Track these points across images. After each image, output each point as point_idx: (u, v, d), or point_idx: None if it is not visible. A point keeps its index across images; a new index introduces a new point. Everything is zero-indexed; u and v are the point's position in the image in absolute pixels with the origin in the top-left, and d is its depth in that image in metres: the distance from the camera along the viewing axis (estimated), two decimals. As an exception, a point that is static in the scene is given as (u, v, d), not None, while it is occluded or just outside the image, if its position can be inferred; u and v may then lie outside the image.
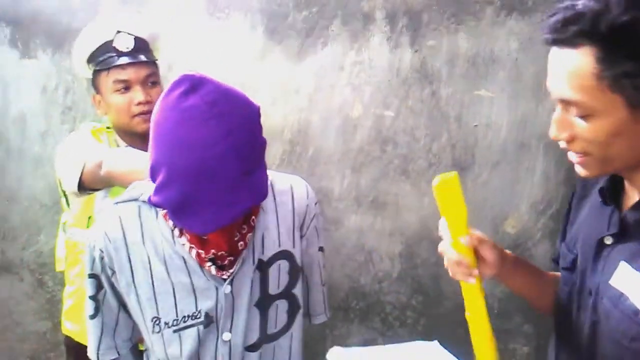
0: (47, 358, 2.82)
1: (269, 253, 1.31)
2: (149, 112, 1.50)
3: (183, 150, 1.03)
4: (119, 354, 1.36)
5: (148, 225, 1.26)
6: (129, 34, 1.81)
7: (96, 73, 1.84)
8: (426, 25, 2.22)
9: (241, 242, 1.24)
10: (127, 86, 1.80)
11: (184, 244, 1.23)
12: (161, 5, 2.39)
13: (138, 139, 1.83)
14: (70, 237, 1.93)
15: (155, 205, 1.13)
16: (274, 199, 1.34)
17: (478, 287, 1.14)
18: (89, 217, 1.86)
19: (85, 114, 2.52)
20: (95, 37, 1.82)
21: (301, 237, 1.37)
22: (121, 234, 1.25)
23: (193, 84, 1.06)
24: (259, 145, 1.13)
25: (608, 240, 1.09)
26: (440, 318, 2.35)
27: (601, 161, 1.01)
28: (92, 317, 1.33)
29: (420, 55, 2.24)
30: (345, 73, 2.31)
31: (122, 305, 1.32)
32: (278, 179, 1.37)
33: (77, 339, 1.97)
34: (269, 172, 1.29)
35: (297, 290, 1.37)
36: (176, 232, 1.24)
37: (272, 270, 1.32)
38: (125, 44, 1.80)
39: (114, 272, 1.26)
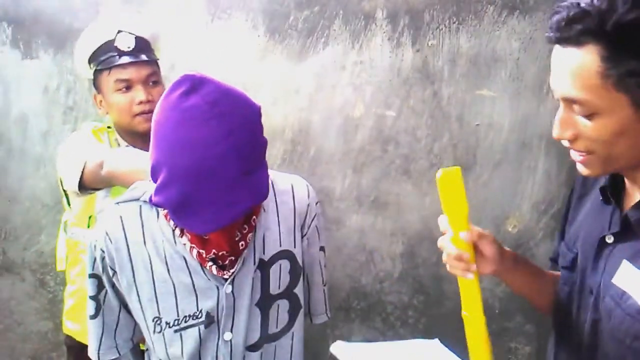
0: (48, 358, 2.82)
1: (270, 253, 1.31)
2: (150, 111, 1.50)
3: (184, 150, 1.03)
4: (119, 354, 1.36)
5: (149, 225, 1.26)
6: (130, 33, 1.82)
7: (97, 73, 1.84)
8: (427, 24, 2.22)
9: (242, 242, 1.24)
10: (128, 85, 1.81)
11: (185, 244, 1.23)
12: (162, 6, 2.39)
13: (139, 139, 1.83)
14: (71, 236, 1.93)
15: (156, 205, 1.13)
16: (275, 198, 1.34)
17: (476, 283, 1.13)
18: (90, 217, 1.86)
19: (86, 114, 2.52)
20: (96, 37, 1.82)
21: (302, 236, 1.38)
22: (122, 234, 1.25)
23: (194, 84, 1.06)
24: (259, 145, 1.12)
25: (609, 239, 1.08)
26: (442, 318, 2.35)
27: (604, 160, 1.01)
28: (93, 317, 1.32)
29: (421, 54, 2.24)
30: (346, 73, 2.31)
31: (123, 305, 1.32)
32: (279, 178, 1.37)
33: (78, 338, 1.97)
34: (269, 171, 1.29)
35: (298, 290, 1.37)
36: (177, 232, 1.23)
37: (273, 270, 1.32)
38: (126, 43, 1.81)
39: (115, 272, 1.26)
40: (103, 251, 1.25)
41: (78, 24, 2.41)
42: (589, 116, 0.96)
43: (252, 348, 1.32)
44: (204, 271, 1.25)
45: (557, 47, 0.99)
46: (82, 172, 1.68)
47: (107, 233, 1.25)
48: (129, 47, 1.81)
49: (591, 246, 1.12)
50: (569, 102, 0.98)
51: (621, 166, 1.04)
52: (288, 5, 2.32)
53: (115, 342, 1.34)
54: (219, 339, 1.29)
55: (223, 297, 1.26)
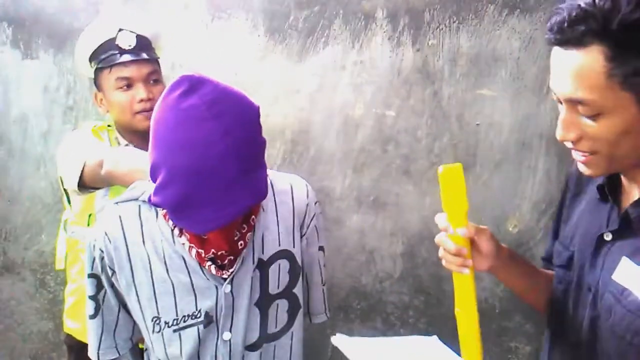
0: (49, 358, 2.83)
1: (269, 252, 1.31)
2: (151, 109, 1.51)
3: (183, 150, 1.04)
4: (119, 354, 1.36)
5: (148, 225, 1.26)
6: (131, 31, 1.83)
7: (98, 71, 1.85)
8: (428, 24, 2.21)
9: (241, 242, 1.24)
10: (129, 84, 1.82)
11: (183, 244, 1.23)
12: (162, 5, 2.39)
13: (139, 137, 1.83)
14: (72, 235, 1.93)
15: (155, 205, 1.14)
16: (274, 198, 1.34)
17: (471, 279, 1.14)
18: (90, 215, 1.87)
19: (86, 113, 2.53)
20: (98, 35, 1.83)
21: (301, 236, 1.38)
22: (121, 233, 1.25)
23: (192, 85, 1.06)
24: (258, 145, 1.13)
25: (608, 237, 1.09)
26: (442, 318, 2.34)
27: (608, 159, 1.01)
28: (93, 316, 1.33)
29: (421, 54, 2.23)
30: (346, 72, 2.31)
31: (122, 305, 1.32)
32: (278, 178, 1.38)
33: (78, 337, 1.97)
34: (268, 171, 1.30)
35: (298, 290, 1.37)
36: (176, 231, 1.24)
37: (272, 270, 1.32)
38: (127, 41, 1.81)
39: (114, 272, 1.27)
40: (102, 251, 1.25)
41: (78, 24, 2.42)
42: (594, 116, 0.96)
43: (251, 348, 1.32)
44: (202, 271, 1.25)
45: (557, 48, 0.99)
46: (82, 171, 1.68)
47: (106, 233, 1.25)
48: (130, 46, 1.82)
49: (589, 244, 1.13)
50: (573, 103, 0.98)
51: (624, 165, 1.04)
52: (288, 5, 2.32)
53: (114, 342, 1.35)
54: (218, 338, 1.29)
55: (222, 297, 1.26)
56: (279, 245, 1.33)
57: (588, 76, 0.93)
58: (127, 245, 1.25)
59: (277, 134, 2.38)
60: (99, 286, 1.30)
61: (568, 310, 1.18)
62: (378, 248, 2.40)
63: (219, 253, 1.22)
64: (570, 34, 0.94)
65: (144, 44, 1.85)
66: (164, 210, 1.22)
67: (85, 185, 1.71)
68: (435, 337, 1.13)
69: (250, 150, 1.08)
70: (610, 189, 1.13)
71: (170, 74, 2.17)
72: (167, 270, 1.25)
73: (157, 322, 1.27)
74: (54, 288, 2.73)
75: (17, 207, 2.68)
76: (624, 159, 1.01)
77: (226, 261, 1.24)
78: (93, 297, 1.31)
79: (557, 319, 1.23)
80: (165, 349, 1.29)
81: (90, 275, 1.29)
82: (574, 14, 0.93)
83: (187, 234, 1.22)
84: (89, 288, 1.31)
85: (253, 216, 1.27)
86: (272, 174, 1.37)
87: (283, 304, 1.35)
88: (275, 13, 2.33)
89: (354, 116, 2.33)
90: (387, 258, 2.40)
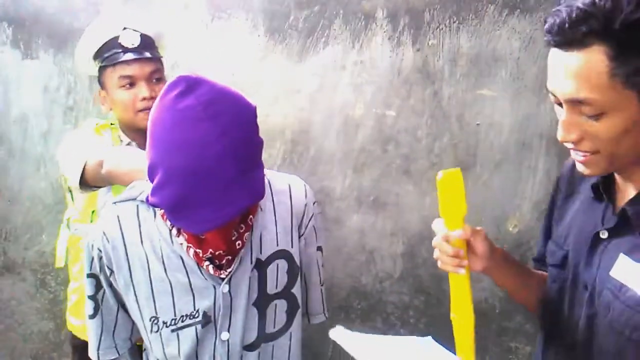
0: (49, 358, 2.83)
1: (267, 252, 1.31)
2: (154, 107, 1.51)
3: (179, 151, 1.04)
4: (118, 354, 1.36)
5: (146, 225, 1.26)
6: (134, 30, 1.84)
7: (102, 69, 1.86)
8: (428, 24, 2.21)
9: (239, 242, 1.24)
10: (132, 82, 1.83)
11: (181, 243, 1.23)
12: (163, 5, 2.39)
13: (142, 135, 1.84)
14: (75, 232, 1.94)
15: (153, 205, 1.14)
16: (272, 198, 1.34)
17: (467, 280, 1.16)
18: (93, 212, 1.88)
19: (87, 113, 2.52)
20: (101, 33, 1.85)
21: (299, 236, 1.38)
22: (119, 233, 1.26)
23: (189, 85, 1.06)
24: (255, 145, 1.13)
25: (604, 235, 1.10)
26: (442, 318, 2.32)
27: (608, 159, 1.01)
28: (92, 316, 1.33)
29: (421, 54, 2.23)
30: (346, 72, 2.31)
31: (121, 305, 1.32)
32: (276, 178, 1.38)
33: (80, 334, 1.98)
34: (267, 171, 1.30)
35: (296, 290, 1.37)
36: (174, 231, 1.24)
37: (271, 270, 1.32)
38: (130, 40, 1.83)
39: (112, 272, 1.27)
40: (100, 251, 1.25)
41: (78, 24, 2.42)
42: (596, 116, 0.96)
43: (249, 348, 1.32)
44: (200, 271, 1.25)
45: (556, 50, 0.98)
46: (83, 170, 1.69)
47: (104, 233, 1.26)
48: (133, 44, 1.84)
49: (584, 242, 1.13)
50: (575, 103, 0.97)
51: (623, 164, 1.05)
52: (288, 5, 2.31)
53: (114, 342, 1.35)
54: (216, 338, 1.29)
55: (220, 297, 1.26)
56: (277, 245, 1.33)
57: (591, 76, 0.93)
58: (125, 245, 1.25)
59: (277, 134, 2.38)
60: (98, 286, 1.30)
61: (563, 309, 1.19)
62: (378, 248, 2.40)
63: (217, 253, 1.22)
64: (571, 35, 0.94)
65: (147, 42, 1.87)
66: (162, 210, 1.22)
67: (87, 184, 1.72)
68: (429, 337, 1.14)
69: (247, 151, 1.08)
70: (605, 188, 1.13)
71: (171, 73, 2.16)
72: (165, 270, 1.25)
73: (155, 322, 1.27)
74: (54, 288, 2.74)
75: (18, 207, 2.68)
76: (623, 157, 1.02)
77: (224, 261, 1.24)
78: (92, 297, 1.31)
79: (551, 319, 1.24)
80: (163, 348, 1.29)
81: (89, 275, 1.29)
82: (574, 15, 0.92)
83: (185, 234, 1.22)
84: (87, 288, 1.31)
85: (251, 216, 1.27)
86: (271, 174, 1.37)
87: (281, 304, 1.35)
88: (275, 13, 2.33)
89: (354, 116, 2.32)
90: (387, 258, 2.40)
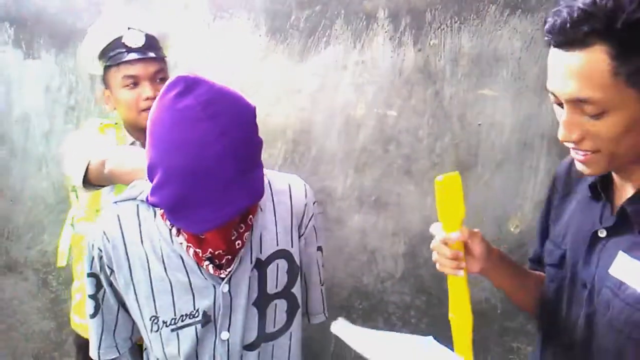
0: (51, 357, 2.83)
1: (267, 252, 1.31)
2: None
3: (179, 151, 1.04)
4: (119, 353, 1.36)
5: (146, 224, 1.26)
6: (139, 30, 1.85)
7: (106, 69, 1.87)
8: (429, 24, 2.21)
9: (238, 241, 1.24)
10: (135, 82, 1.84)
11: (181, 243, 1.23)
12: (165, 5, 2.39)
13: (145, 134, 1.84)
14: (79, 231, 1.95)
15: (153, 205, 1.14)
16: (272, 198, 1.34)
17: (465, 281, 1.18)
18: (97, 210, 1.89)
19: (88, 113, 2.53)
20: (106, 34, 1.86)
21: (299, 236, 1.38)
22: (119, 233, 1.26)
23: (187, 85, 1.06)
24: (254, 145, 1.13)
25: (602, 233, 1.10)
26: (444, 318, 2.31)
27: (609, 157, 1.02)
28: (93, 316, 1.33)
29: (423, 54, 2.23)
30: (348, 72, 2.31)
31: (122, 304, 1.32)
32: (276, 178, 1.38)
33: (84, 333, 1.99)
34: (267, 171, 1.31)
35: (296, 290, 1.37)
36: (174, 231, 1.24)
37: (270, 270, 1.32)
38: (135, 40, 1.84)
39: (112, 271, 1.27)
40: (100, 250, 1.26)
41: (80, 24, 2.42)
42: (598, 115, 0.97)
43: (249, 347, 1.32)
44: (200, 270, 1.25)
45: (556, 50, 0.99)
46: (86, 170, 1.70)
47: (104, 232, 1.26)
48: (137, 44, 1.85)
49: (582, 241, 1.14)
50: (577, 103, 0.98)
51: (623, 163, 1.05)
52: (290, 4, 2.31)
53: (114, 341, 1.35)
54: (215, 338, 1.29)
55: (220, 296, 1.26)
56: (277, 245, 1.33)
57: (593, 75, 0.94)
58: (125, 245, 1.26)
59: (279, 133, 2.38)
60: (98, 285, 1.30)
61: (561, 309, 1.19)
62: (379, 248, 2.40)
63: (217, 252, 1.22)
64: (573, 35, 0.94)
65: (151, 43, 1.88)
66: (162, 210, 1.22)
67: (90, 183, 1.73)
68: (430, 337, 1.15)
69: (246, 151, 1.08)
70: (603, 187, 1.14)
71: (173, 73, 2.17)
72: (165, 269, 1.25)
73: (155, 321, 1.28)
74: (56, 287, 2.74)
75: (19, 206, 2.68)
76: (624, 156, 1.02)
77: (224, 261, 1.24)
78: (93, 297, 1.32)
79: (549, 319, 1.24)
80: (163, 348, 1.29)
81: (90, 275, 1.30)
82: (575, 15, 0.93)
83: (184, 234, 1.22)
84: (88, 287, 1.31)
85: (251, 216, 1.27)
86: (271, 174, 1.37)
87: (281, 304, 1.35)
88: (276, 13, 2.33)
89: (356, 116, 2.32)
90: (388, 258, 2.40)
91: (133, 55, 1.83)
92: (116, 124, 1.95)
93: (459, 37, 2.19)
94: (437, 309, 2.37)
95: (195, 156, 1.03)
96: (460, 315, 1.19)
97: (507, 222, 2.25)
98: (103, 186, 1.76)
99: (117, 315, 1.33)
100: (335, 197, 2.40)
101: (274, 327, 1.35)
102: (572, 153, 1.06)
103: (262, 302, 1.31)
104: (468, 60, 2.20)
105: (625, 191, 1.10)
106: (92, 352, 1.36)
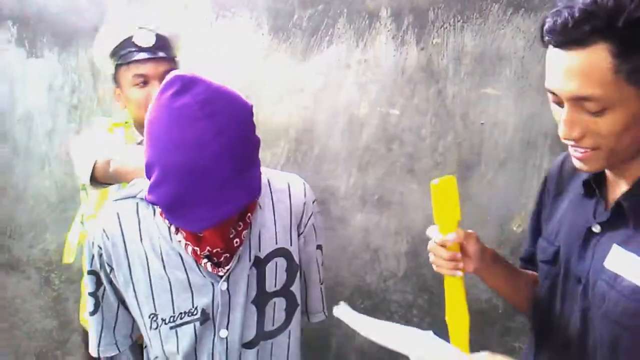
0: (53, 356, 2.83)
1: (265, 250, 1.31)
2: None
3: (175, 149, 1.05)
4: (119, 350, 1.37)
5: (146, 222, 1.27)
6: (150, 30, 1.87)
7: (117, 67, 1.90)
8: (432, 23, 2.21)
9: (237, 239, 1.25)
10: (145, 81, 1.86)
11: (180, 241, 1.24)
12: (167, 4, 2.39)
13: None
14: (88, 228, 1.96)
15: (150, 203, 1.14)
16: (272, 197, 1.35)
17: (462, 281, 1.20)
18: None
19: (91, 112, 2.53)
20: (118, 33, 1.89)
21: (299, 235, 1.38)
22: (119, 231, 1.26)
23: (184, 84, 1.07)
24: (251, 144, 1.13)
25: (596, 229, 1.12)
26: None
27: (608, 154, 1.03)
28: (93, 313, 1.34)
29: (426, 53, 2.23)
30: (350, 71, 2.30)
31: (121, 302, 1.33)
32: (276, 177, 1.38)
33: None
34: (267, 170, 1.31)
35: (295, 288, 1.37)
36: (173, 229, 1.24)
37: (269, 268, 1.32)
38: (145, 40, 1.87)
39: (112, 269, 1.28)
40: (100, 248, 1.26)
41: (83, 23, 2.43)
42: (600, 112, 0.98)
43: (248, 345, 1.32)
44: (199, 268, 1.25)
45: (556, 50, 0.99)
46: (94, 169, 1.72)
47: (104, 230, 1.27)
48: (148, 44, 1.87)
49: (576, 237, 1.16)
50: (578, 100, 0.98)
51: (620, 160, 1.06)
52: (292, 3, 2.31)
53: (114, 339, 1.36)
54: (214, 336, 1.30)
55: (218, 294, 1.27)
56: (276, 243, 1.33)
57: (595, 73, 0.95)
58: (124, 243, 1.26)
59: (282, 133, 2.38)
60: (99, 283, 1.31)
61: (555, 306, 1.21)
62: (382, 247, 2.40)
63: (215, 250, 1.22)
64: (575, 34, 0.95)
65: (162, 42, 1.90)
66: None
67: (98, 182, 1.76)
68: (430, 332, 1.16)
69: (244, 150, 1.09)
70: (596, 184, 1.16)
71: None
72: (164, 267, 1.26)
73: (155, 318, 1.28)
74: (58, 286, 2.74)
75: (22, 205, 2.68)
76: (622, 153, 1.03)
77: (222, 258, 1.25)
78: (93, 294, 1.32)
79: (542, 317, 1.25)
80: (162, 345, 1.29)
81: (90, 272, 1.30)
82: (576, 15, 0.94)
83: (183, 232, 1.23)
84: (88, 285, 1.32)
85: (249, 214, 1.27)
86: (271, 173, 1.38)
87: (280, 302, 1.35)
88: (279, 12, 2.33)
89: (359, 115, 2.32)
90: (391, 257, 2.40)
91: (143, 55, 1.85)
92: (126, 122, 1.97)
93: (461, 36, 2.19)
94: (439, 308, 2.37)
95: (192, 155, 1.03)
96: (457, 316, 1.20)
97: (511, 221, 2.25)
98: (111, 184, 1.78)
99: (117, 312, 1.34)
100: (338, 196, 2.40)
101: (273, 325, 1.35)
102: (571, 151, 1.07)
103: (261, 300, 1.31)
104: (471, 59, 2.20)
105: (618, 187, 1.11)
106: (92, 349, 1.36)
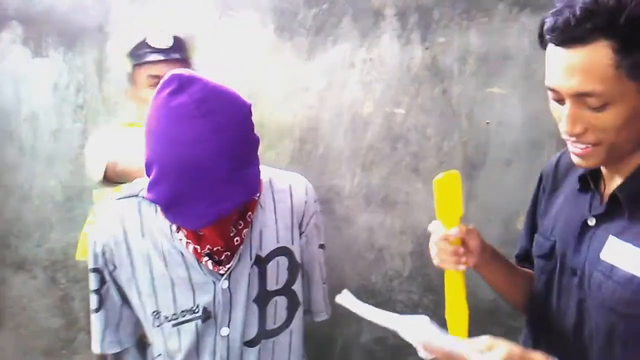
0: (60, 355, 2.84)
1: (267, 249, 1.32)
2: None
3: (172, 148, 1.06)
4: (122, 348, 1.37)
5: (148, 221, 1.28)
6: (166, 32, 1.91)
7: (133, 67, 1.94)
8: (437, 22, 2.20)
9: (237, 238, 1.25)
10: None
11: (181, 239, 1.25)
12: (172, 4, 2.39)
13: None
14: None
15: (150, 200, 1.15)
16: (273, 196, 1.35)
17: (463, 276, 1.23)
18: None
19: (96, 112, 2.54)
20: (135, 33, 1.94)
21: (300, 234, 1.38)
22: (121, 229, 1.27)
23: (181, 83, 1.09)
24: (249, 142, 1.14)
25: (591, 222, 1.14)
26: (451, 317, 2.33)
27: (608, 149, 1.05)
28: (96, 311, 1.34)
29: (431, 52, 2.22)
30: (355, 70, 2.30)
31: (125, 300, 1.33)
32: (278, 177, 1.39)
33: None
34: (269, 170, 1.32)
35: (297, 287, 1.38)
36: (174, 227, 1.25)
37: (271, 267, 1.33)
38: (160, 41, 1.91)
39: (115, 267, 1.28)
40: (103, 246, 1.27)
41: (88, 23, 2.44)
42: (601, 107, 0.99)
43: (249, 344, 1.33)
44: (200, 266, 1.26)
45: (558, 48, 1.02)
46: (105, 169, 1.77)
47: (107, 228, 1.27)
48: (162, 45, 1.91)
49: (572, 231, 1.17)
50: (580, 97, 1.00)
51: (619, 154, 1.08)
52: (297, 2, 2.31)
53: (118, 337, 1.37)
54: (216, 334, 1.30)
55: (219, 293, 1.27)
56: (278, 242, 1.34)
57: (596, 69, 0.96)
58: (127, 241, 1.27)
59: (286, 132, 2.38)
60: (102, 281, 1.31)
61: (551, 299, 1.22)
62: (387, 246, 2.40)
63: (215, 249, 1.23)
64: (576, 33, 0.96)
65: (177, 44, 1.94)
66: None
67: (110, 181, 1.80)
68: (426, 317, 1.17)
69: (241, 148, 1.10)
70: (592, 179, 1.18)
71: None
72: (166, 265, 1.26)
73: (157, 316, 1.29)
74: (64, 285, 2.75)
75: (28, 204, 2.69)
76: (622, 148, 1.05)
77: (223, 257, 1.26)
78: (96, 292, 1.33)
79: (539, 311, 1.27)
80: (165, 343, 1.30)
81: (93, 270, 1.31)
82: (578, 13, 0.95)
83: (184, 230, 1.23)
84: (92, 282, 1.32)
85: (249, 213, 1.28)
86: (273, 173, 1.38)
87: (282, 301, 1.35)
88: (284, 11, 2.33)
89: (363, 114, 2.32)
90: (396, 256, 2.40)
91: (157, 56, 1.89)
92: (136, 122, 1.99)
93: (467, 35, 2.18)
94: (444, 308, 2.36)
95: (188, 153, 1.05)
96: (457, 311, 1.23)
97: (516, 220, 2.24)
98: (122, 183, 1.80)
99: (121, 310, 1.35)
100: (343, 196, 2.40)
101: (275, 323, 1.35)
102: (571, 147, 1.09)
103: (262, 298, 1.32)
104: (476, 58, 2.19)
105: (613, 182, 1.13)
106: (95, 346, 1.37)
